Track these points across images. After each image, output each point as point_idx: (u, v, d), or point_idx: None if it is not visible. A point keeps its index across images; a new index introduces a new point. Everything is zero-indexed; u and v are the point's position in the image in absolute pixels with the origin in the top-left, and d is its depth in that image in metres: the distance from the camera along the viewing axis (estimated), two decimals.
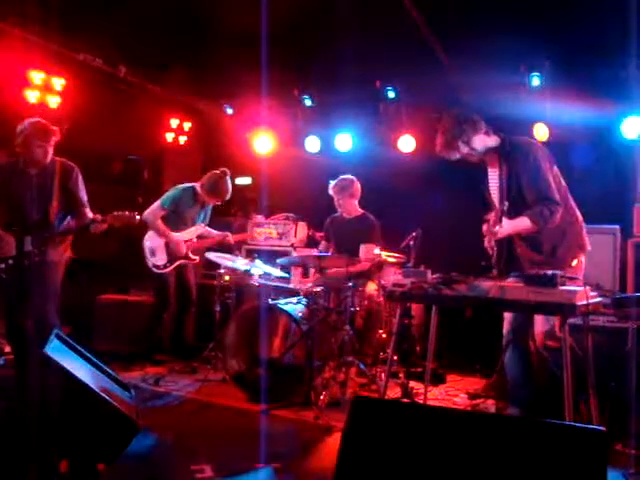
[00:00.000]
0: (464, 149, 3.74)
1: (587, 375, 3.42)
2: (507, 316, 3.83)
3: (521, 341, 3.76)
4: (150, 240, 5.59)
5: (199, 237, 5.78)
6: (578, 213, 3.76)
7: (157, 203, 5.54)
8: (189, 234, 5.70)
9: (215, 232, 5.89)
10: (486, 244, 3.78)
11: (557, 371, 3.29)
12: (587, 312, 3.25)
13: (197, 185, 5.69)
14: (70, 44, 6.14)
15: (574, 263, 3.64)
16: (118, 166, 7.28)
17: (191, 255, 5.70)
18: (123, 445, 3.18)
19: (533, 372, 3.78)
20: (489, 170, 3.89)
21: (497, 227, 3.47)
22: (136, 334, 5.81)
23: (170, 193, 5.64)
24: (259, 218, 6.98)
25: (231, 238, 5.81)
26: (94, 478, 3.04)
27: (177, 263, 5.62)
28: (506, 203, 3.54)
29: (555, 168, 3.74)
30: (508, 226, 3.52)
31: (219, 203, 5.82)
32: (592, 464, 1.78)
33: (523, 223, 3.55)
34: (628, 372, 3.66)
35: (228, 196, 5.70)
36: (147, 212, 5.49)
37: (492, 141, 3.77)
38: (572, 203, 3.77)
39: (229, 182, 5.64)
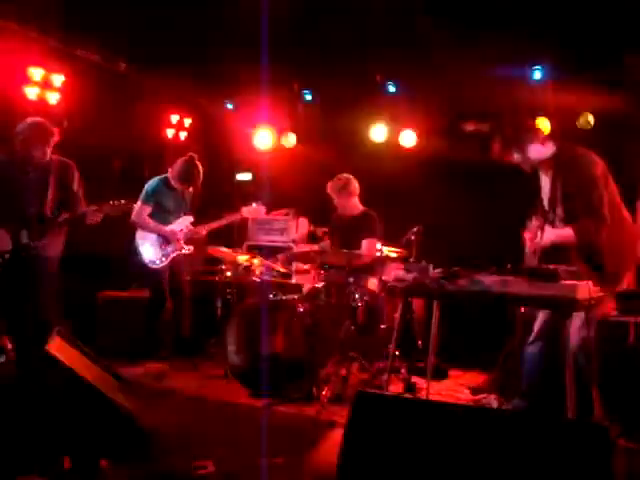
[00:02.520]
0: (518, 157, 3.72)
1: (591, 369, 3.41)
2: (541, 314, 3.80)
3: (551, 341, 3.69)
4: (141, 238, 5.57)
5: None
6: (630, 222, 3.71)
7: (138, 203, 5.50)
8: (180, 224, 5.68)
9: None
10: (528, 250, 3.73)
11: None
12: (589, 306, 3.23)
13: (168, 174, 5.68)
14: (69, 40, 6.12)
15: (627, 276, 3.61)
16: (118, 163, 7.26)
17: (185, 246, 5.68)
18: (125, 441, 3.17)
19: (552, 374, 3.73)
20: (542, 176, 3.84)
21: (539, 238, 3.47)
22: (137, 330, 5.80)
23: (147, 188, 5.63)
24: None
25: (204, 230, 5.72)
26: (96, 475, 3.04)
27: (172, 256, 5.61)
28: (559, 211, 3.49)
29: (611, 182, 3.67)
30: (551, 234, 3.52)
31: (191, 189, 5.78)
32: (596, 459, 1.77)
33: (566, 234, 3.51)
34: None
35: (199, 181, 5.66)
36: (133, 215, 5.48)
37: (548, 150, 3.72)
38: (624, 212, 3.69)
39: (198, 167, 5.61)
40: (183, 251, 5.65)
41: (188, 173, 5.58)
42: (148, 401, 4.33)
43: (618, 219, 3.63)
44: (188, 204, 5.83)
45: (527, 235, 3.71)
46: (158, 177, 5.72)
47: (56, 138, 4.53)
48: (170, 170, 5.67)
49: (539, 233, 3.53)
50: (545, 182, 3.82)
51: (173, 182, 5.63)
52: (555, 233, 3.53)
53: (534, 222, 3.67)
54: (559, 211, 3.59)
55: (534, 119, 3.88)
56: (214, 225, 5.77)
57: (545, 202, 3.81)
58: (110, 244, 6.41)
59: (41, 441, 3.02)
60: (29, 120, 4.50)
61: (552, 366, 3.71)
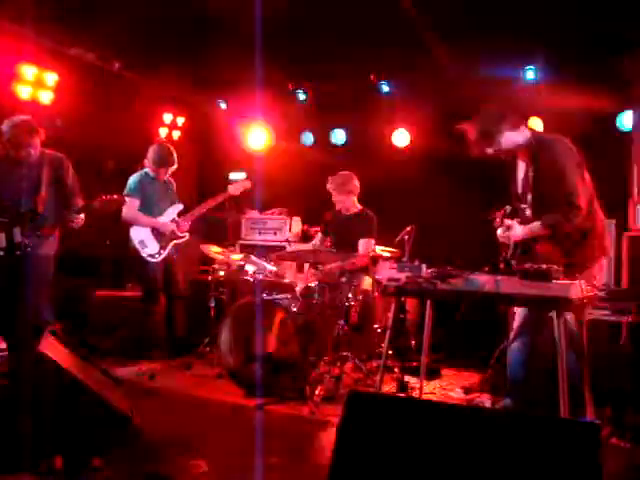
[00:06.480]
0: (491, 151, 3.70)
1: (582, 368, 3.42)
2: (519, 312, 3.81)
3: (530, 339, 3.71)
4: (136, 234, 5.56)
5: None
6: (601, 215, 3.68)
7: (126, 198, 5.49)
8: (169, 215, 5.70)
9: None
10: (500, 237, 3.71)
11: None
12: (582, 306, 3.25)
13: (146, 166, 5.70)
14: (63, 39, 6.10)
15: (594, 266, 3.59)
16: (111, 162, 7.24)
17: (179, 234, 5.68)
18: (117, 441, 3.17)
19: (534, 370, 3.74)
20: (519, 162, 3.82)
21: (509, 232, 3.49)
22: (131, 330, 5.79)
23: (130, 183, 5.64)
24: (253, 213, 6.97)
25: (175, 229, 5.67)
26: (88, 474, 3.03)
27: (170, 245, 5.62)
28: (526, 206, 3.48)
29: (586, 173, 3.63)
30: (521, 232, 3.52)
31: (170, 172, 5.75)
32: (586, 457, 1.78)
33: (535, 229, 3.53)
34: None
35: (175, 161, 5.65)
36: (123, 212, 5.48)
37: (521, 137, 3.68)
38: (596, 205, 3.66)
39: (170, 148, 5.64)
40: (179, 240, 5.67)
41: (162, 155, 5.60)
42: (141, 401, 4.33)
43: (592, 211, 3.61)
44: (174, 193, 5.84)
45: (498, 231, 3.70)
46: (137, 172, 5.74)
47: (42, 137, 4.49)
48: (145, 161, 5.68)
49: (505, 224, 3.54)
50: (521, 168, 3.79)
51: (151, 170, 5.65)
52: (524, 231, 3.53)
53: (497, 214, 3.67)
54: (529, 198, 3.57)
55: (502, 105, 3.81)
56: (198, 211, 5.79)
57: (519, 189, 3.79)
58: (104, 243, 6.40)
59: (33, 440, 3.01)
60: (14, 119, 4.44)
61: (534, 364, 3.73)
